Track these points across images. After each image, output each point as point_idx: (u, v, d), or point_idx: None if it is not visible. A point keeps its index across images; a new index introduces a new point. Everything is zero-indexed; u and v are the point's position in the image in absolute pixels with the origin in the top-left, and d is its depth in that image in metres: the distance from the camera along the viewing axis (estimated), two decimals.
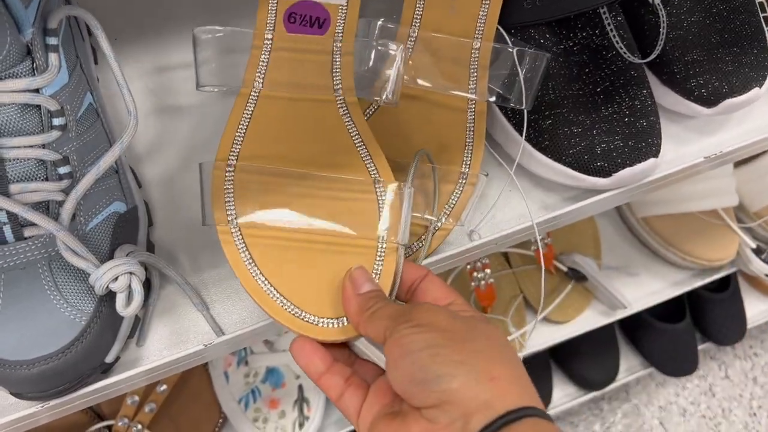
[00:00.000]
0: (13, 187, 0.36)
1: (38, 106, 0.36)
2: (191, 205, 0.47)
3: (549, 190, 0.49)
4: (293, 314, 0.38)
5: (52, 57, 0.36)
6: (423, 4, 0.47)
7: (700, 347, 0.99)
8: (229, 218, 0.39)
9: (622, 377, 0.98)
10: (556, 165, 0.47)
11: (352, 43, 0.44)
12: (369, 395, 0.36)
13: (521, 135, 0.47)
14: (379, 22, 0.47)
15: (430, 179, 0.45)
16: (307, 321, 0.38)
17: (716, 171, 0.79)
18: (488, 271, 0.79)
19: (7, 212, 0.37)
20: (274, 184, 0.40)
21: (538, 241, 0.46)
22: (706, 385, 1.14)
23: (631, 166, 0.45)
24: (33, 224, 0.37)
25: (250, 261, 0.39)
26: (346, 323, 0.37)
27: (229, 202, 0.40)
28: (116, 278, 0.37)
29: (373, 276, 0.39)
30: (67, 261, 0.38)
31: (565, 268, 0.83)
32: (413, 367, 0.31)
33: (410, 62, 0.47)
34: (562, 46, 0.48)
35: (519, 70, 0.45)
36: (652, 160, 0.45)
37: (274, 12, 0.45)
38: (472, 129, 0.47)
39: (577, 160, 0.46)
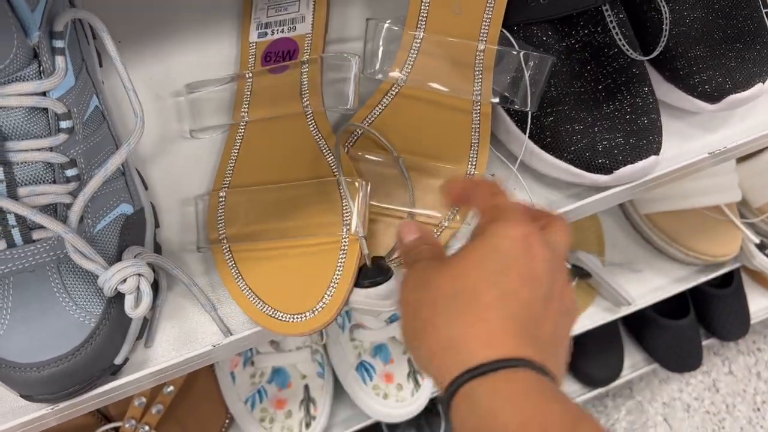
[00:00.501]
0: (21, 191, 0.37)
1: (45, 110, 0.36)
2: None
3: (552, 188, 0.50)
4: (269, 315, 0.42)
5: (59, 60, 0.36)
6: (428, 5, 0.48)
7: (703, 343, 1.00)
8: (221, 239, 0.44)
9: (626, 374, 0.98)
10: (558, 162, 0.47)
11: (318, 63, 0.49)
12: None
13: (524, 132, 0.47)
14: (386, 24, 0.47)
15: (437, 179, 0.45)
16: (281, 319, 0.41)
17: (719, 167, 0.79)
18: None
19: (16, 215, 0.37)
20: (255, 202, 0.45)
21: None
22: (709, 380, 1.14)
23: (632, 163, 0.45)
24: (41, 227, 0.37)
25: (238, 275, 0.43)
26: (307, 318, 0.41)
27: (220, 224, 0.45)
28: (125, 280, 0.38)
29: (338, 267, 0.42)
30: (75, 263, 0.38)
31: (568, 265, 0.83)
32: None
33: (416, 64, 0.48)
34: (564, 44, 0.48)
35: (525, 72, 0.45)
36: (653, 158, 0.46)
37: (253, 55, 0.51)
38: (477, 130, 0.47)
39: (579, 157, 0.46)
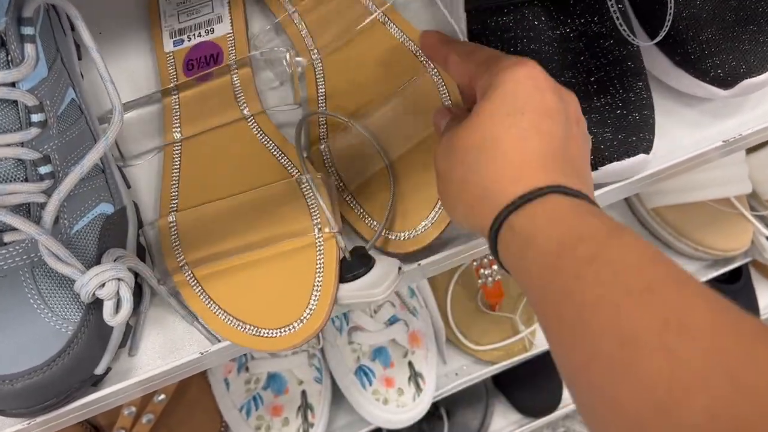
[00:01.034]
0: None
1: (15, 102, 0.34)
2: None
3: None
4: (253, 334, 0.39)
5: (29, 48, 0.34)
6: None
7: None
8: (180, 265, 0.41)
9: None
10: None
11: (247, 63, 0.47)
12: None
13: None
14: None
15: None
16: (265, 336, 0.39)
17: (728, 158, 0.77)
18: (495, 267, 0.77)
19: None
20: (209, 219, 0.42)
21: None
22: None
23: (619, 160, 0.43)
24: (13, 229, 0.35)
25: (209, 301, 0.40)
26: (297, 328, 0.38)
27: (177, 251, 0.41)
28: (103, 285, 0.35)
29: (317, 268, 0.40)
30: (50, 267, 0.35)
31: None
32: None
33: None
34: (558, 32, 0.46)
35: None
36: (641, 156, 0.43)
37: (173, 65, 0.48)
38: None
39: None
